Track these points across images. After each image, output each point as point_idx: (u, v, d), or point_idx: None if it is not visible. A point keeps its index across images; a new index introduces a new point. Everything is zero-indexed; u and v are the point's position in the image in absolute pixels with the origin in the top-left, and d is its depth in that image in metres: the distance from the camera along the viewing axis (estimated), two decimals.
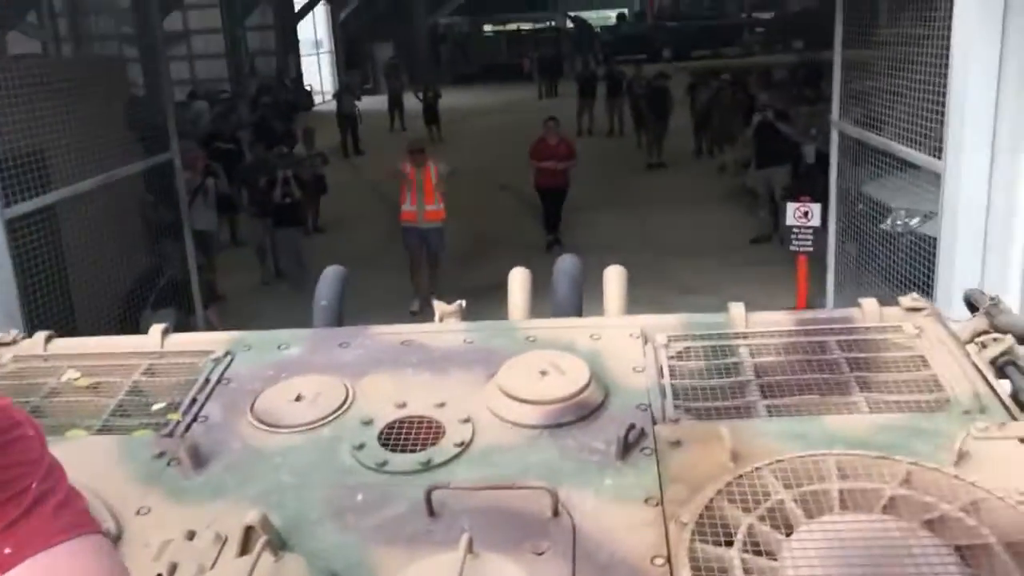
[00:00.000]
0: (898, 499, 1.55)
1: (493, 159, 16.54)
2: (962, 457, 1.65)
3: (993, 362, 2.00)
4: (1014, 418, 1.81)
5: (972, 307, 2.18)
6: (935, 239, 5.83)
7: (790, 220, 7.64)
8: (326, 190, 13.75)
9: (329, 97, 24.80)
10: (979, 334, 2.08)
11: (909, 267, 5.94)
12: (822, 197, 11.25)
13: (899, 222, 6.86)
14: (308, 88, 32.57)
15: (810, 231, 7.53)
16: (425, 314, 9.44)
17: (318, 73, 34.38)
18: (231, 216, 12.54)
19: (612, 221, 12.55)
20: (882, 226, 6.87)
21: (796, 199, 7.83)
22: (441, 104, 23.24)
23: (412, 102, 23.92)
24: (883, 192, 7.08)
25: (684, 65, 20.44)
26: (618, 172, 16.23)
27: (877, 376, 2.02)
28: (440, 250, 9.89)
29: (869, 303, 2.25)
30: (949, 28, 4.92)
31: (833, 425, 1.83)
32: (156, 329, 2.43)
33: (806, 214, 7.60)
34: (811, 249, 7.55)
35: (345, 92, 22.62)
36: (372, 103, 26.65)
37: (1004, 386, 1.95)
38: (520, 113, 25.86)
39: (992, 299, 2.13)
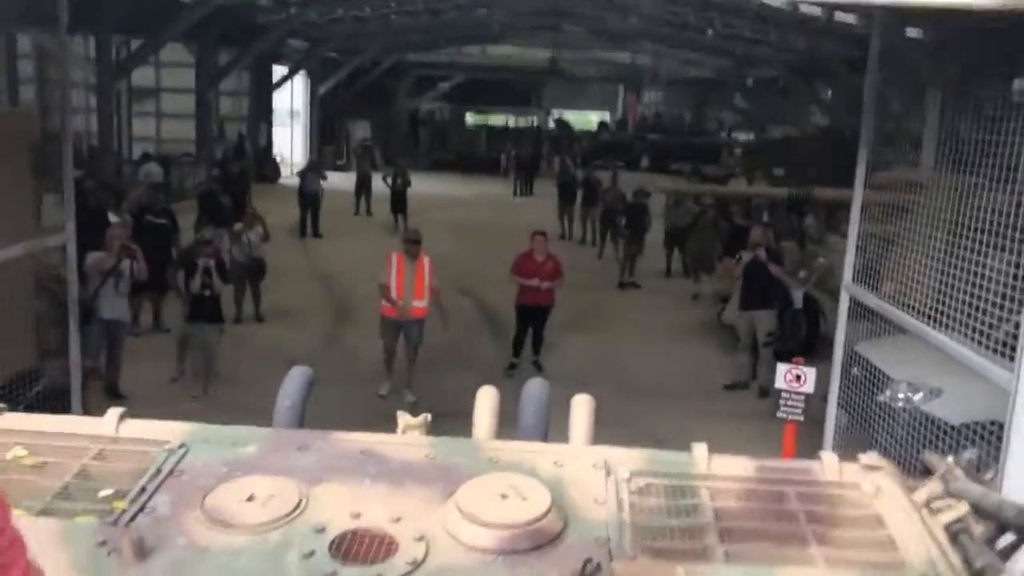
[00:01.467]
0: None
1: (458, 260, 15.63)
2: None
3: (947, 528, 2.02)
4: None
5: (927, 471, 2.21)
6: (943, 422, 5.56)
7: (779, 383, 6.99)
8: (264, 274, 12.89)
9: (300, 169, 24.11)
10: (934, 498, 2.10)
11: (908, 448, 5.55)
12: (805, 347, 10.90)
13: (900, 396, 6.35)
14: (277, 159, 31.96)
15: (801, 397, 6.86)
16: (393, 400, 9.28)
17: (290, 145, 33.69)
18: (155, 298, 11.68)
19: (580, 347, 12.10)
20: (880, 398, 6.37)
21: (787, 358, 7.19)
22: (411, 192, 22.48)
23: (382, 186, 23.04)
24: (880, 356, 6.56)
25: (662, 186, 20.56)
26: (589, 289, 15.67)
27: (834, 532, 2.02)
28: (419, 343, 9.69)
29: (829, 457, 2.28)
30: None
31: (789, 575, 1.82)
32: (113, 413, 2.38)
33: (798, 378, 6.91)
34: (801, 418, 6.89)
35: (310, 170, 21.68)
36: (342, 181, 26.02)
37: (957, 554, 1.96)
38: (492, 209, 26.03)
39: (948, 464, 2.17)
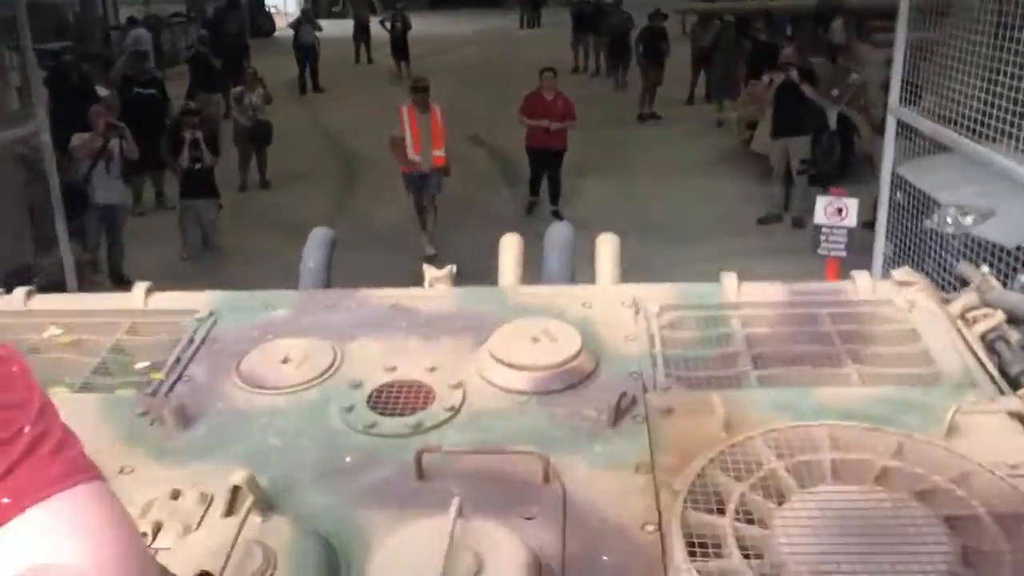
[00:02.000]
0: (889, 470, 1.55)
1: (466, 105, 14.44)
2: (952, 430, 1.65)
3: (983, 337, 2.00)
4: (1002, 392, 1.82)
5: (963, 282, 2.17)
6: (993, 245, 5.18)
7: (819, 218, 6.45)
8: (270, 139, 12.08)
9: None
10: (969, 309, 2.08)
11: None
12: (840, 170, 10.40)
13: (949, 221, 5.84)
14: (271, 10, 29.78)
15: (843, 232, 6.35)
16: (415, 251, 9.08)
17: None
18: (154, 175, 11.02)
19: (600, 190, 11.31)
20: (927, 223, 5.91)
21: (822, 184, 6.67)
22: (412, 35, 21.00)
23: (381, 31, 21.67)
24: (924, 178, 6.04)
25: (681, 7, 18.52)
26: (607, 124, 14.52)
27: (868, 349, 2.02)
28: (439, 191, 9.49)
29: (861, 276, 2.25)
30: None
31: (825, 397, 1.83)
32: (140, 287, 2.39)
33: (839, 211, 6.38)
34: (844, 254, 6.34)
35: (304, 21, 20.21)
36: (339, 29, 24.40)
37: (993, 361, 1.95)
38: (499, 46, 24.62)
39: (983, 275, 2.13)
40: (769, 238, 9.64)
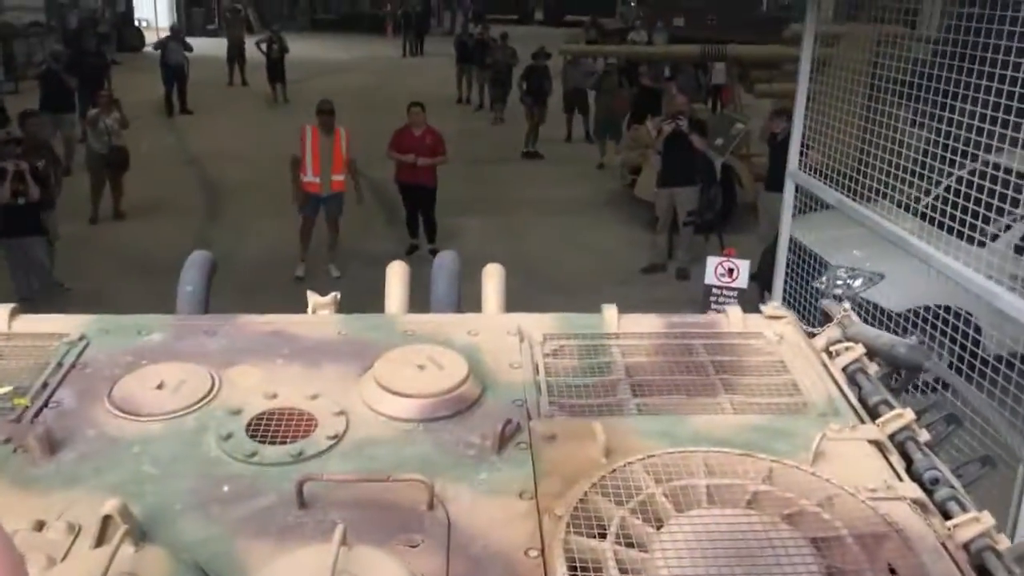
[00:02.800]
0: (760, 494, 1.62)
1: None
2: (818, 456, 1.75)
3: (844, 369, 2.13)
4: (862, 421, 1.93)
5: (827, 317, 2.30)
6: (880, 308, 5.06)
7: (710, 279, 6.48)
8: (127, 166, 11.18)
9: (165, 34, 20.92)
10: (833, 343, 2.20)
11: None
12: (721, 219, 10.32)
13: (838, 283, 5.87)
14: (141, 24, 28.29)
15: (734, 293, 6.39)
16: (312, 280, 8.77)
17: (154, 7, 29.89)
18: None
19: (482, 229, 11.13)
20: (815, 284, 5.89)
21: (706, 236, 6.60)
22: (289, 58, 20.41)
23: (257, 53, 20.89)
24: (812, 237, 5.99)
25: (565, 48, 17.71)
26: (489, 159, 14.71)
27: (741, 379, 2.11)
28: (339, 215, 9.26)
29: (733, 310, 2.35)
30: None
31: (700, 424, 1.90)
32: (3, 309, 2.26)
33: (731, 272, 6.42)
34: None
35: (171, 39, 19.19)
36: (213, 47, 23.52)
37: (853, 392, 2.07)
38: (381, 74, 23.88)
39: (845, 311, 2.27)
40: (653, 288, 9.41)
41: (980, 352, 4.47)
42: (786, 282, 6.00)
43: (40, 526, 1.53)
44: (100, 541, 1.47)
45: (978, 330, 5.12)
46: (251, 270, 9.15)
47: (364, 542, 1.49)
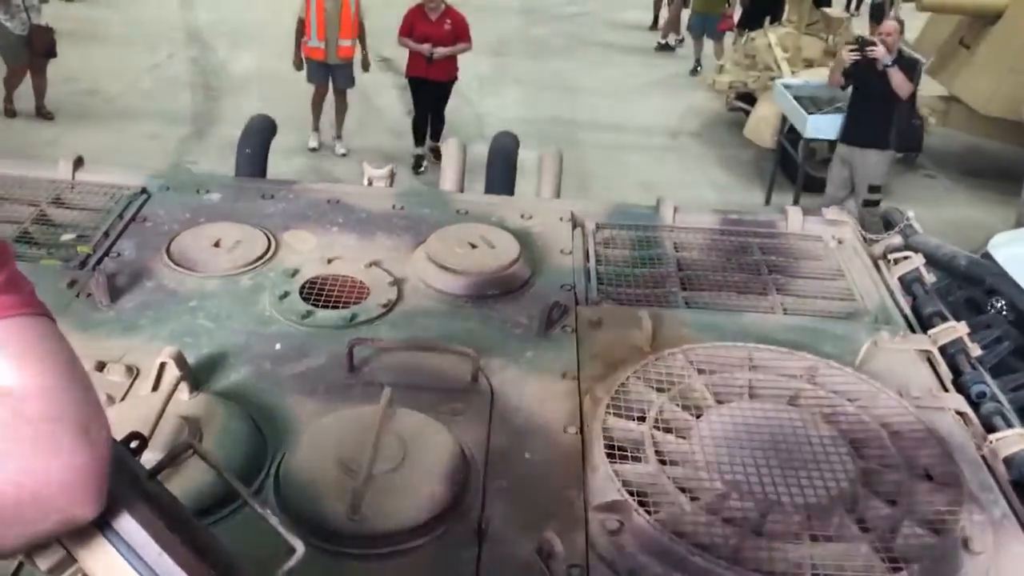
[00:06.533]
0: (802, 392, 1.62)
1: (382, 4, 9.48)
2: (865, 361, 1.74)
3: (901, 279, 2.09)
4: (913, 331, 1.91)
5: (888, 224, 2.25)
6: None
7: None
8: (53, 52, 8.30)
9: None
10: (893, 251, 2.16)
11: None
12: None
13: None
14: None
15: None
16: (322, 153, 7.91)
17: None
18: None
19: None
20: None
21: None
22: None
23: None
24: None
25: None
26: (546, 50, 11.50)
27: (794, 281, 2.08)
28: (348, 86, 8.03)
29: (793, 211, 2.31)
30: None
31: (748, 321, 1.89)
32: (66, 160, 2.30)
33: None
34: None
35: None
36: None
37: (908, 302, 2.04)
38: None
39: (908, 219, 2.21)
40: None
41: None
42: None
43: (101, 367, 1.59)
44: (156, 385, 1.53)
45: None
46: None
47: (410, 407, 1.53)
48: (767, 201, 7.21)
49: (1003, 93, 7.17)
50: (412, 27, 7.73)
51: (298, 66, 7.95)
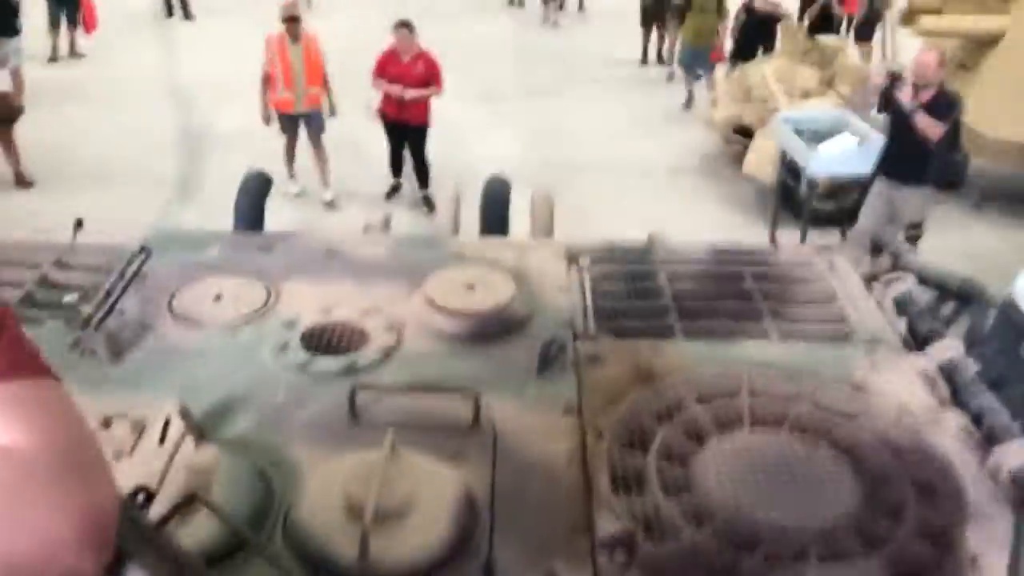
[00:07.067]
0: (802, 415, 1.64)
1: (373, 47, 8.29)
2: (863, 383, 1.75)
3: (895, 299, 2.11)
4: (909, 350, 1.93)
5: (877, 248, 2.28)
6: None
7: None
8: (14, 116, 7.89)
9: None
10: (883, 272, 2.19)
11: None
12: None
13: None
14: None
15: None
16: (307, 200, 7.73)
17: None
18: None
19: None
20: None
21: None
22: None
23: None
24: None
25: None
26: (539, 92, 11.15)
27: (787, 307, 2.10)
28: (321, 131, 7.91)
29: (784, 239, 2.34)
30: None
31: (745, 349, 1.91)
32: (69, 223, 2.34)
33: None
34: None
35: None
36: None
37: (903, 322, 2.06)
38: None
39: (897, 240, 2.24)
40: None
41: None
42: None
43: (107, 423, 1.61)
44: (163, 439, 1.55)
45: None
46: None
47: (413, 449, 1.54)
48: (771, 239, 6.54)
49: (1010, 114, 6.95)
50: (385, 69, 7.68)
51: (266, 120, 7.85)
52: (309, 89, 7.63)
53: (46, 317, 2.02)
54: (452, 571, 1.33)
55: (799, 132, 6.88)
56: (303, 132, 7.89)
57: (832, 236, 6.01)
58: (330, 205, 7.86)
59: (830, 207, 6.52)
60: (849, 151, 6.38)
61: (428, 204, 7.75)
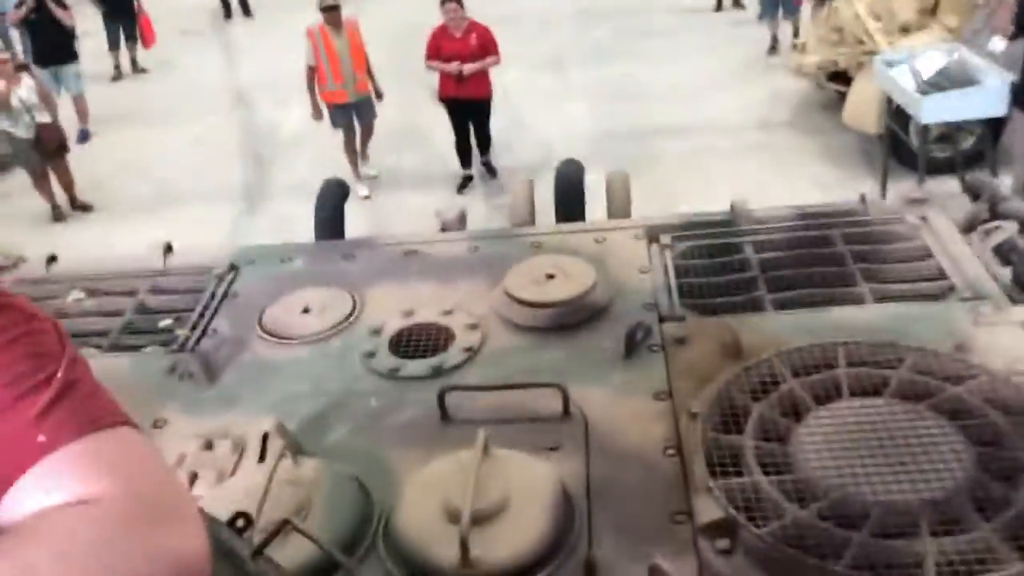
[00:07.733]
0: (904, 383, 1.57)
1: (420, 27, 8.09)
2: (965, 341, 1.67)
3: (996, 249, 2.01)
4: (1014, 302, 1.83)
5: (974, 194, 2.17)
6: None
7: None
8: (64, 147, 7.99)
9: None
10: (981, 222, 2.08)
11: None
12: None
13: None
14: None
15: None
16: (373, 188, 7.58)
17: None
18: None
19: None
20: None
21: None
22: None
23: None
24: None
25: None
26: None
27: (880, 267, 2.02)
28: (373, 118, 7.79)
29: (871, 195, 2.25)
30: None
31: (839, 315, 1.85)
32: (157, 246, 2.42)
33: None
34: None
35: None
36: None
37: (1006, 272, 1.96)
38: None
39: (994, 186, 2.13)
40: None
41: None
42: None
43: (209, 445, 1.66)
44: (262, 456, 1.59)
45: None
46: None
47: (506, 446, 1.54)
48: (883, 194, 6.08)
49: None
50: (438, 48, 7.38)
51: (317, 116, 7.69)
52: (357, 76, 7.45)
53: (146, 343, 2.10)
54: (553, 569, 1.33)
55: (907, 73, 6.00)
56: (356, 123, 7.68)
57: (949, 184, 5.10)
58: (374, 180, 7.66)
59: (946, 153, 6.01)
60: (966, 93, 5.70)
61: (490, 170, 7.57)
